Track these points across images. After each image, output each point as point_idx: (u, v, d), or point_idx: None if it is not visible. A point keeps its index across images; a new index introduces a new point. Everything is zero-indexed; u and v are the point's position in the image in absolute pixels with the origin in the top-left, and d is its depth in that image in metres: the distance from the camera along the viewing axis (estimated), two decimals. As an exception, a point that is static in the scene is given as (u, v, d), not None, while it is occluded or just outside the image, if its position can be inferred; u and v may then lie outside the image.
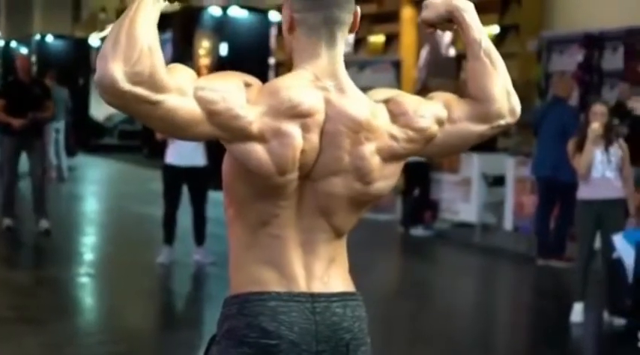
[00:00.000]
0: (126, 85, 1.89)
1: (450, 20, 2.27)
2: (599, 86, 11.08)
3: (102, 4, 28.33)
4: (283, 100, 2.04)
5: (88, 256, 9.67)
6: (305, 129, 2.06)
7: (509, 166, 10.66)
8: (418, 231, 11.18)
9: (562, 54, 11.53)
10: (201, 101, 1.98)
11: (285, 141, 2.04)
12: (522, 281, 9.34)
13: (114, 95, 1.91)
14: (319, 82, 2.11)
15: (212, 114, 2.00)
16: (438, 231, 11.27)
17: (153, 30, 1.95)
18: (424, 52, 15.44)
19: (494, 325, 7.63)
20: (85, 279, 8.42)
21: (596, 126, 6.69)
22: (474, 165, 10.97)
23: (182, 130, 2.01)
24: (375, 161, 2.13)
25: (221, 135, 2.04)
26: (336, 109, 2.10)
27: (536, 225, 9.68)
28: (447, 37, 14.97)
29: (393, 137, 2.15)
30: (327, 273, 2.17)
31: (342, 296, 2.17)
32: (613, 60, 10.94)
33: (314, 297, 2.13)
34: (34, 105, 9.96)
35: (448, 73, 14.41)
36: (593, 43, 11.09)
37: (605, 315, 6.88)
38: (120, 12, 24.62)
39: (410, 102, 2.18)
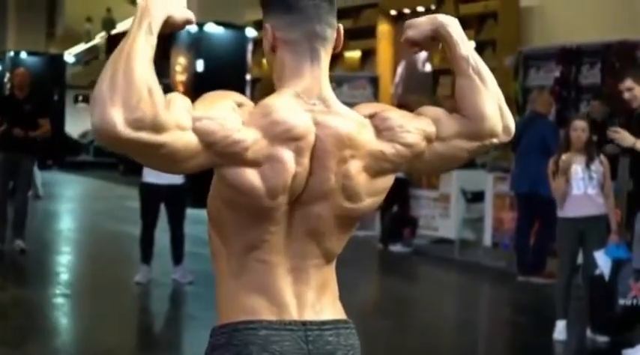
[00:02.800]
0: (127, 132, 1.82)
1: (434, 38, 2.21)
2: (576, 102, 11.10)
3: (87, 14, 28.19)
4: (277, 123, 1.98)
5: (64, 276, 9.54)
6: (298, 152, 2.00)
7: (488, 182, 10.65)
8: (397, 248, 11.13)
9: (539, 69, 11.55)
10: (199, 133, 1.92)
11: (277, 166, 1.98)
12: (503, 297, 9.30)
13: (115, 142, 1.84)
14: (305, 103, 2.05)
15: (211, 144, 1.94)
16: (417, 247, 11.23)
17: (150, 69, 1.87)
18: (400, 68, 15.46)
19: (476, 343, 7.57)
20: (60, 300, 8.28)
21: (565, 158, 6.67)
22: (453, 182, 10.95)
23: (181, 164, 1.95)
24: (362, 178, 2.08)
25: (217, 162, 1.98)
26: (323, 130, 2.04)
27: (516, 241, 9.65)
28: (423, 52, 14.98)
29: (379, 152, 2.09)
30: (319, 301, 2.11)
31: (334, 324, 2.11)
32: (590, 75, 10.97)
33: (306, 326, 2.06)
34: (24, 123, 9.81)
35: (424, 89, 14.42)
36: (571, 58, 11.11)
37: (588, 332, 6.84)
38: (106, 22, 24.41)
39: (396, 117, 2.12)
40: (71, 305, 8.17)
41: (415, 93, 14.25)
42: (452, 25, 2.18)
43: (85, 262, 10.63)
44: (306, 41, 2.09)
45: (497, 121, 2.17)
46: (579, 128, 6.73)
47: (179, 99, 1.93)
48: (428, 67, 14.99)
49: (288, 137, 1.99)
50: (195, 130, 1.91)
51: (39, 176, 15.98)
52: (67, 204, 17.12)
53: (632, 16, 11.16)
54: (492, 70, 2.26)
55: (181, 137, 1.89)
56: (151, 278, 8.50)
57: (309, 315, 2.07)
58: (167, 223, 8.51)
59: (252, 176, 1.98)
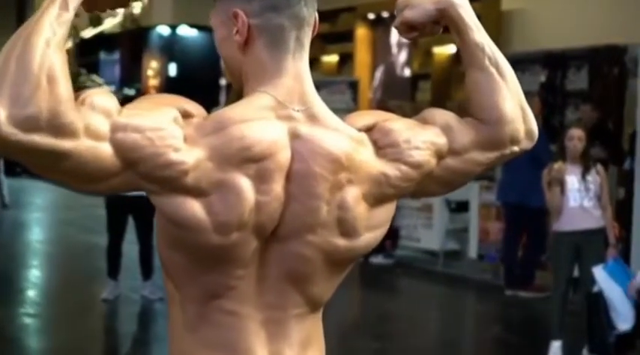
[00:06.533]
0: (13, 133, 1.36)
1: (437, 21, 1.76)
2: (562, 107, 10.75)
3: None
4: (232, 139, 1.52)
5: (31, 293, 9.00)
6: (261, 176, 1.54)
7: (474, 191, 10.20)
8: (378, 259, 10.67)
9: (523, 73, 11.16)
10: (119, 146, 1.46)
11: (229, 197, 1.52)
12: (491, 313, 8.82)
13: None
14: (284, 110, 1.59)
15: (134, 162, 1.47)
16: (399, 259, 10.78)
17: (58, 53, 1.41)
18: (378, 73, 15.09)
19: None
20: (26, 320, 7.75)
21: (557, 167, 6.26)
22: (436, 190, 10.51)
23: (94, 184, 1.48)
24: (361, 209, 1.63)
25: (145, 187, 1.52)
26: (307, 145, 1.59)
27: (504, 253, 9.24)
28: (402, 57, 14.63)
29: (381, 176, 1.64)
30: (302, 361, 1.66)
31: (321, 394, 1.66)
32: (577, 80, 10.61)
33: (284, 397, 1.61)
34: None
35: (403, 95, 14.04)
36: (556, 62, 10.75)
37: (585, 353, 6.42)
38: (92, 17, 23.76)
39: (399, 129, 1.68)
40: (37, 326, 7.65)
41: (394, 98, 13.86)
42: (463, 5, 1.74)
43: (54, 277, 10.13)
44: (292, 29, 1.62)
45: (519, 124, 1.74)
46: (575, 137, 6.32)
47: (97, 98, 1.45)
48: (407, 72, 14.60)
49: (244, 158, 1.52)
50: (114, 142, 1.45)
51: (5, 184, 15.43)
52: (36, 213, 16.59)
53: (619, 20, 10.80)
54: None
55: (92, 148, 1.42)
56: (119, 294, 8.03)
57: (289, 382, 1.62)
58: (135, 236, 8.06)
59: (194, 208, 1.51)
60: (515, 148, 1.76)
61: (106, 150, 1.44)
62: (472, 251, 10.23)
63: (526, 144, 1.78)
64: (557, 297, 6.48)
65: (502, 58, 1.76)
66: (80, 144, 1.41)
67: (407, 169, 1.66)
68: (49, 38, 1.40)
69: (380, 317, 8.32)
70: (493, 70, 1.74)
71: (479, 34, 1.74)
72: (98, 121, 1.44)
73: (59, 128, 1.38)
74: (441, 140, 1.70)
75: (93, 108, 1.44)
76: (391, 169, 1.65)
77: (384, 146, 1.66)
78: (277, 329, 1.63)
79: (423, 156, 1.67)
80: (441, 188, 1.77)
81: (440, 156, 1.70)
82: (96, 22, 26.01)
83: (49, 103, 1.37)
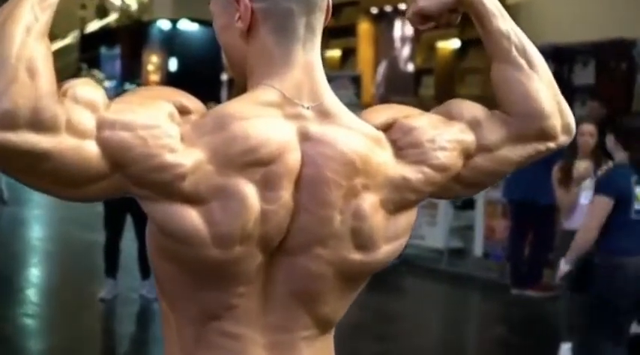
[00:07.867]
0: None
1: (454, 10, 1.60)
2: (569, 102, 10.54)
3: (82, 1, 27.80)
4: (235, 139, 1.34)
5: (30, 292, 8.84)
6: (267, 182, 1.37)
7: (479, 188, 10.05)
8: (381, 257, 10.54)
9: (529, 69, 11.03)
10: (107, 146, 1.28)
11: (231, 205, 1.35)
12: (496, 313, 8.66)
13: None
14: (292, 107, 1.42)
15: (124, 164, 1.30)
16: (402, 256, 10.54)
17: (38, 41, 1.24)
18: (381, 68, 14.96)
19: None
20: (23, 320, 7.60)
21: (583, 168, 6.09)
22: (440, 187, 10.34)
23: (76, 188, 1.31)
24: (379, 217, 1.46)
25: (136, 192, 1.34)
26: (318, 147, 1.41)
27: (510, 251, 9.08)
28: (405, 51, 14.49)
29: (401, 180, 1.47)
30: (309, 390, 1.49)
31: None
32: (584, 75, 10.46)
33: None
34: None
35: (407, 90, 13.90)
36: (563, 57, 10.59)
37: (595, 356, 6.26)
38: (100, 9, 23.50)
39: (422, 127, 1.51)
40: (34, 326, 7.50)
41: (397, 93, 13.72)
42: None
43: (52, 275, 9.99)
44: (301, 14, 1.45)
45: (555, 118, 1.57)
46: (587, 132, 6.16)
47: (81, 89, 1.27)
48: (410, 67, 14.45)
49: (249, 161, 1.34)
50: (101, 141, 1.27)
51: (4, 179, 15.29)
52: (35, 210, 16.44)
53: (626, 14, 10.64)
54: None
55: (75, 147, 1.25)
56: (117, 293, 7.88)
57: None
58: (134, 233, 7.90)
59: (192, 217, 1.34)
60: (552, 144, 1.60)
61: (91, 149, 1.28)
62: (477, 249, 10.06)
63: (564, 140, 1.62)
64: (566, 297, 6.30)
65: (531, 45, 1.60)
66: (62, 143, 1.25)
67: (431, 172, 1.50)
68: (29, 25, 1.24)
69: (382, 318, 8.16)
70: (522, 60, 1.58)
71: (503, 20, 1.59)
72: (82, 116, 1.27)
73: (38, 125, 1.22)
74: (469, 137, 1.54)
75: (76, 101, 1.27)
76: (413, 172, 1.48)
77: (404, 146, 1.49)
78: (283, 353, 1.46)
79: (449, 157, 1.51)
80: (465, 190, 1.60)
81: (467, 155, 1.54)
82: (102, 14, 25.96)
83: (28, 99, 1.21)
